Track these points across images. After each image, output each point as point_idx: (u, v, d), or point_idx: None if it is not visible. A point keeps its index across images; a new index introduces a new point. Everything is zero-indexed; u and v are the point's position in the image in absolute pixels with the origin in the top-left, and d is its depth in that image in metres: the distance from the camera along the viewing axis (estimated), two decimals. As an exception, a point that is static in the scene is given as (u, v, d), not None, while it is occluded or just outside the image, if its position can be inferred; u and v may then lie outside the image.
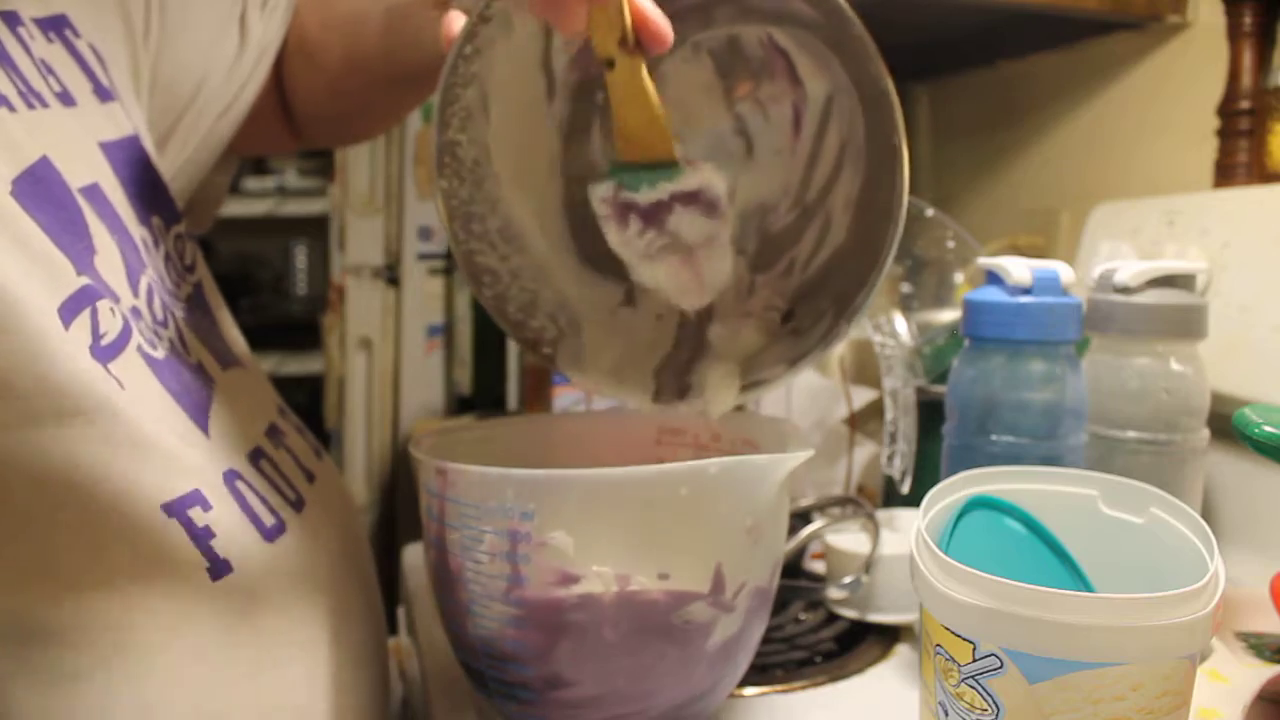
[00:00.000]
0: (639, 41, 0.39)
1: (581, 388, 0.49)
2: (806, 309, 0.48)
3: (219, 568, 0.37)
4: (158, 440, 0.37)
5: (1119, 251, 0.76)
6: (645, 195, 0.43)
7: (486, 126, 0.47)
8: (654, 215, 0.44)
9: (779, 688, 0.50)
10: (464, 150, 0.46)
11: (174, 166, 0.50)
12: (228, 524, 0.38)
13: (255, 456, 0.43)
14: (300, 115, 0.59)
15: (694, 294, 0.46)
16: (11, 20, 0.40)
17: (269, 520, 0.41)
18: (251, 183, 1.79)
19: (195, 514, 0.37)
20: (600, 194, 0.44)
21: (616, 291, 0.51)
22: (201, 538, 0.37)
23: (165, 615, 0.36)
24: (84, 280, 0.36)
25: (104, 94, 0.44)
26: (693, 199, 0.43)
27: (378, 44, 0.54)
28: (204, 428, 0.40)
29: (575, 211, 0.51)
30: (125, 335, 0.37)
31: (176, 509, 0.37)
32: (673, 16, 0.39)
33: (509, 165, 0.48)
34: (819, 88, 0.47)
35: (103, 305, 0.37)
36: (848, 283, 0.45)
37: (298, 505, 0.44)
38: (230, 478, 0.40)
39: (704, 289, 0.46)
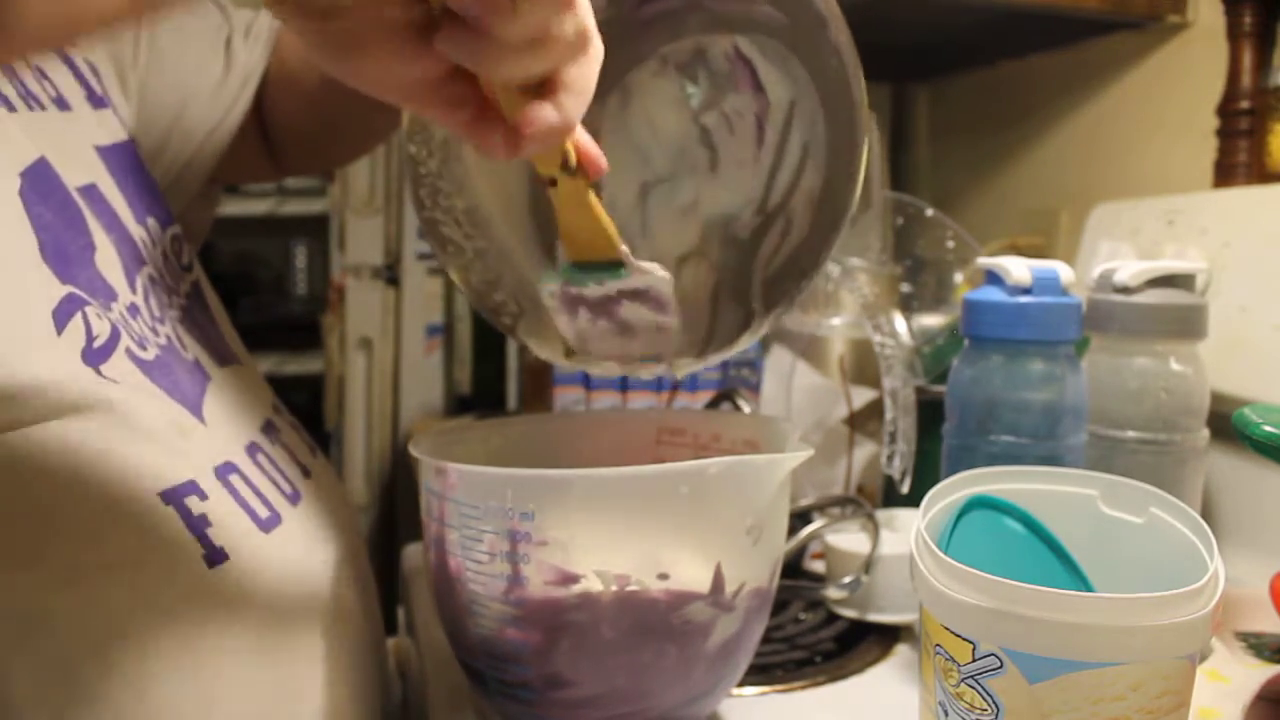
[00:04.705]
0: (579, 164, 0.39)
1: (545, 357, 0.50)
2: (772, 296, 0.49)
3: (215, 556, 0.38)
4: (154, 431, 0.37)
5: (1119, 251, 0.76)
6: (593, 291, 0.44)
7: None
8: (603, 307, 0.44)
9: (779, 688, 0.50)
10: (435, 128, 0.47)
11: (160, 189, 0.50)
12: (223, 514, 0.39)
13: (252, 450, 0.44)
14: (280, 142, 0.60)
15: (634, 368, 0.48)
16: None
17: (264, 512, 0.41)
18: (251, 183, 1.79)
19: (192, 502, 0.38)
20: (549, 289, 0.45)
21: None
22: (198, 526, 0.38)
23: (161, 602, 0.37)
24: (69, 288, 0.37)
25: (97, 101, 0.46)
26: (641, 295, 0.44)
27: None
28: (200, 420, 0.41)
29: (539, 206, 0.52)
30: (114, 338, 0.38)
31: (173, 497, 0.37)
32: (645, 24, 0.39)
33: (477, 155, 0.49)
34: (782, 94, 0.49)
35: (90, 310, 0.37)
36: (807, 265, 0.47)
37: (294, 499, 0.44)
38: (226, 469, 0.40)
39: (644, 364, 0.47)
